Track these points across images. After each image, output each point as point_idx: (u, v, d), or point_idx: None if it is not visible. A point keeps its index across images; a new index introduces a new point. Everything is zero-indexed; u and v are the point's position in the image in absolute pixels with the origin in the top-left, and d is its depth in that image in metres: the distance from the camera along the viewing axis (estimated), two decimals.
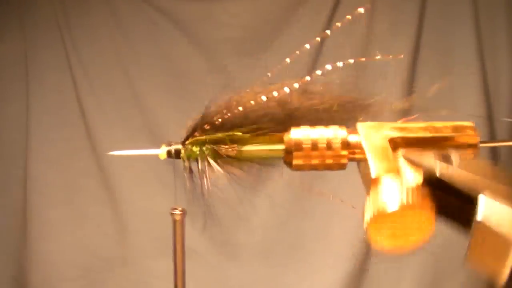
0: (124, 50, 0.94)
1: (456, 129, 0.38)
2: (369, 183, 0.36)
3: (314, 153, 0.37)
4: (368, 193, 0.37)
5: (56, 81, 0.96)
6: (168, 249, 0.93)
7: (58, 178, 0.95)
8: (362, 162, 0.37)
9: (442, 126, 0.38)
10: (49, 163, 0.95)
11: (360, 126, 0.37)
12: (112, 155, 0.44)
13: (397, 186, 0.35)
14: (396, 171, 0.35)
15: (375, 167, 0.35)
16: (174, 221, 0.42)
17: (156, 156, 0.38)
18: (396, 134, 0.37)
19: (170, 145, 0.37)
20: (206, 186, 0.38)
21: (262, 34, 0.92)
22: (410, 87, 0.96)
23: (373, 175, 0.36)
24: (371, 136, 0.37)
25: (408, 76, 0.96)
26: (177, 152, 0.37)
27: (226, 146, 0.36)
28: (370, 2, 0.96)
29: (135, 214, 0.90)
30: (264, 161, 0.37)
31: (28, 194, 0.95)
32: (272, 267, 0.92)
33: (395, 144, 0.37)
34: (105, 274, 0.94)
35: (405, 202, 0.34)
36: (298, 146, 0.36)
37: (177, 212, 0.41)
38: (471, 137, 0.37)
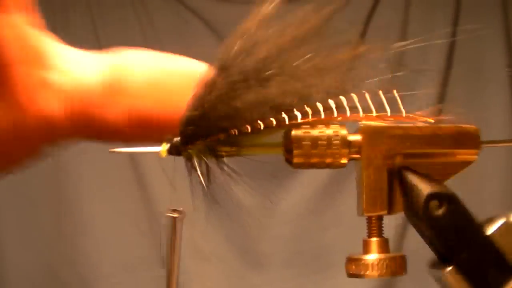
0: (154, 46, 0.98)
1: (459, 134, 0.37)
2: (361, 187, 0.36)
3: (314, 151, 0.36)
4: (359, 195, 0.37)
5: None
6: (204, 251, 0.95)
7: (92, 173, 0.98)
8: (358, 162, 0.37)
9: (446, 135, 0.37)
10: (81, 158, 0.96)
11: (363, 130, 0.37)
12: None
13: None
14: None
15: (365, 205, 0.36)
16: (173, 223, 0.42)
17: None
18: (397, 146, 0.37)
19: (171, 142, 0.37)
20: (209, 184, 0.38)
21: None
22: (440, 103, 0.95)
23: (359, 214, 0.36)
24: (370, 156, 0.36)
25: (438, 92, 0.96)
26: (177, 150, 0.37)
27: (224, 149, 0.36)
28: (401, 24, 0.96)
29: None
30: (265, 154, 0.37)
31: (62, 188, 0.97)
32: (294, 277, 0.91)
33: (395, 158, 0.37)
34: (141, 273, 0.95)
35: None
36: (298, 144, 0.36)
37: (175, 214, 0.41)
38: (474, 143, 0.37)
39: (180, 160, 0.37)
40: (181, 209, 0.42)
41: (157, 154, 0.37)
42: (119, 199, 0.97)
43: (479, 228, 0.34)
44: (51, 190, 0.99)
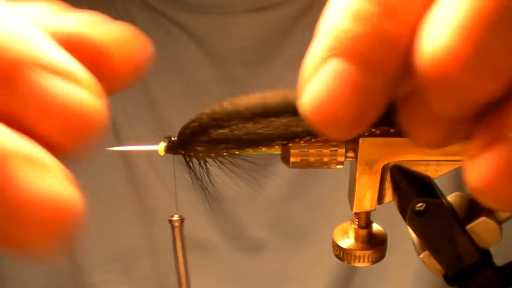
0: None
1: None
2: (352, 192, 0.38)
3: (311, 150, 0.37)
4: (350, 191, 0.38)
5: None
6: (190, 240, 0.99)
7: (84, 172, 1.01)
8: (354, 162, 0.38)
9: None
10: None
11: (362, 147, 0.37)
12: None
13: None
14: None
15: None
16: (173, 228, 0.42)
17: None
18: (394, 153, 0.37)
19: (169, 141, 0.37)
20: (207, 180, 0.38)
21: (268, 45, 0.95)
22: None
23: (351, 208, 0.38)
24: (367, 159, 0.37)
25: None
26: (175, 149, 0.37)
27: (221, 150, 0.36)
28: None
29: (161, 209, 0.94)
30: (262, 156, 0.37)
31: None
32: (283, 258, 0.96)
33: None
34: (130, 262, 0.99)
35: None
36: (295, 143, 0.36)
37: (175, 218, 0.42)
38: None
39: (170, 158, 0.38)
40: (178, 215, 0.43)
41: (148, 152, 0.37)
42: (110, 196, 1.01)
43: (460, 228, 0.36)
44: None
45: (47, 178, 0.25)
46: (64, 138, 0.26)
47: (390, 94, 0.28)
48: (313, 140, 0.36)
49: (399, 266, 0.93)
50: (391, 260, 0.94)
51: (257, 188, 0.94)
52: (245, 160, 0.38)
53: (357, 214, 0.40)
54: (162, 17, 0.97)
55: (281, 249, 0.97)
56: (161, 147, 0.37)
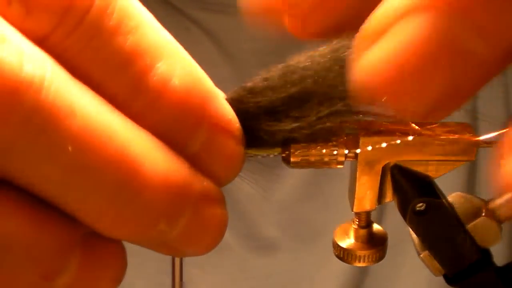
0: None
1: (456, 143, 0.37)
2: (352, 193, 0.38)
3: (312, 150, 0.37)
4: (350, 192, 0.38)
5: None
6: None
7: None
8: (354, 161, 0.38)
9: (443, 144, 0.37)
10: None
11: (362, 147, 0.37)
12: None
13: None
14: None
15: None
16: None
17: None
18: (394, 154, 0.37)
19: None
20: None
21: (284, 47, 0.95)
22: None
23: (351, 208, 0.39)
24: (367, 159, 0.37)
25: None
26: None
27: None
28: None
29: None
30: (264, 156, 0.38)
31: None
32: (293, 259, 0.96)
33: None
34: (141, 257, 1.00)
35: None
36: (295, 143, 0.37)
37: None
38: (471, 149, 0.37)
39: None
40: None
41: None
42: None
43: (460, 228, 0.36)
44: None
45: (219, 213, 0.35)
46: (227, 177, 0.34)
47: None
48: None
49: (411, 269, 0.93)
50: (404, 263, 0.94)
51: (261, 190, 0.94)
52: (247, 161, 0.38)
53: (357, 214, 0.40)
54: (180, 14, 0.97)
55: (294, 250, 0.97)
56: None
